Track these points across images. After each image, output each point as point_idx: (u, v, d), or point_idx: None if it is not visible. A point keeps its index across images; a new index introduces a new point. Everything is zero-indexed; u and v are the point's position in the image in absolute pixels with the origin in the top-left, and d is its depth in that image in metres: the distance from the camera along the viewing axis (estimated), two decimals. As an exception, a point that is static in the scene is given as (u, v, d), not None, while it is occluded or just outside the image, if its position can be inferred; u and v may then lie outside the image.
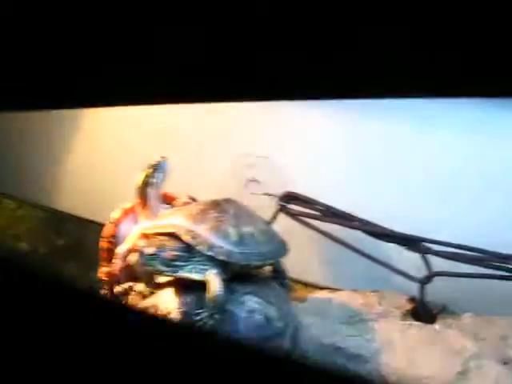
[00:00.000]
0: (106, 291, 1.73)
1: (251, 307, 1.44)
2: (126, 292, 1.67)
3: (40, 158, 2.39)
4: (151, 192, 1.67)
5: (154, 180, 1.66)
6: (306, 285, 1.98)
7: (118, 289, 1.70)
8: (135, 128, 2.10)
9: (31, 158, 2.41)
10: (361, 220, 1.72)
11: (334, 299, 1.79)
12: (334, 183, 1.88)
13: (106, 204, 1.75)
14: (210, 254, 1.40)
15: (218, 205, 1.54)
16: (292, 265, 1.93)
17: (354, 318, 1.69)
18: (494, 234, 1.69)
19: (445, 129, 1.74)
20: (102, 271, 1.79)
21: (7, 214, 2.52)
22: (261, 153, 1.85)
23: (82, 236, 2.29)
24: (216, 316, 1.38)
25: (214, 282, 1.40)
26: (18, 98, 1.01)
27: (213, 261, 1.42)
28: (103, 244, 1.74)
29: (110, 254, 1.74)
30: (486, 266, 1.58)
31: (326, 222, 1.77)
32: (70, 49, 0.90)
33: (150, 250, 1.39)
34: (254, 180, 1.88)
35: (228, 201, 1.59)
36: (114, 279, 1.71)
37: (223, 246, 1.43)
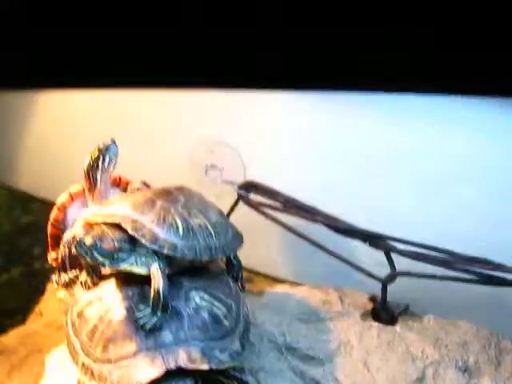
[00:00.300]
0: (56, 277, 1.64)
1: (197, 304, 1.35)
2: (72, 281, 1.58)
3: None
4: (99, 175, 1.56)
5: (101, 163, 1.55)
6: (266, 277, 1.91)
7: (63, 278, 1.62)
8: (94, 112, 2.00)
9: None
10: (324, 214, 1.63)
11: (293, 295, 1.70)
12: (289, 169, 1.79)
13: (65, 185, 1.65)
14: (153, 247, 1.30)
15: (168, 193, 1.44)
16: (252, 257, 1.86)
17: (312, 317, 1.61)
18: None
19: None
20: (51, 257, 1.70)
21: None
22: (220, 138, 1.75)
23: (44, 216, 2.23)
24: (159, 313, 1.29)
25: (158, 277, 1.30)
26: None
27: (158, 254, 1.32)
28: (50, 229, 1.65)
29: (57, 239, 1.65)
30: (451, 268, 1.49)
31: (287, 214, 1.67)
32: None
33: (88, 241, 1.29)
34: (213, 166, 1.78)
35: (180, 189, 1.48)
36: (60, 267, 1.62)
37: (168, 238, 1.32)
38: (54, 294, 1.72)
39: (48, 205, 1.77)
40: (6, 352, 1.53)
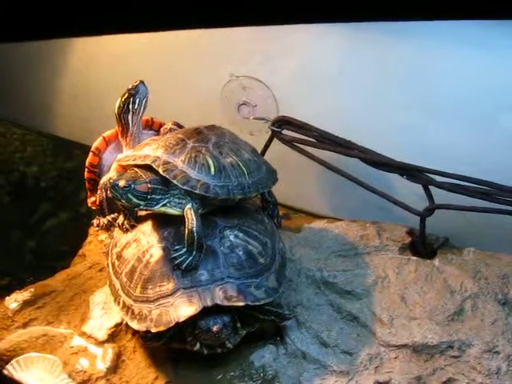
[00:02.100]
0: (97, 221, 1.68)
1: (232, 242, 1.36)
2: (111, 224, 1.61)
3: (38, 89, 2.33)
4: (130, 118, 1.56)
5: (131, 105, 1.54)
6: (304, 214, 1.90)
7: (102, 221, 1.65)
8: (126, 54, 1.98)
9: (30, 89, 2.36)
10: (360, 148, 1.59)
11: (330, 230, 1.69)
12: (329, 107, 1.73)
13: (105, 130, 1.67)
14: (185, 187, 1.31)
15: (199, 133, 1.43)
16: (289, 193, 1.85)
17: (350, 251, 1.61)
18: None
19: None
20: (90, 201, 1.74)
21: (15, 140, 2.51)
22: (253, 74, 1.71)
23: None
24: (194, 252, 1.30)
25: (191, 217, 1.31)
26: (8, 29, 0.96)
27: (190, 194, 1.33)
28: (86, 174, 1.67)
29: (94, 183, 1.67)
30: (492, 200, 1.45)
31: (322, 149, 1.64)
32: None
33: (122, 183, 1.30)
34: (246, 103, 1.75)
35: (211, 128, 1.47)
36: (99, 210, 1.65)
37: (200, 178, 1.32)
38: (96, 236, 1.77)
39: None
40: (54, 294, 1.58)
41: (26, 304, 1.53)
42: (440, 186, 1.51)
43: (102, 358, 1.38)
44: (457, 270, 1.49)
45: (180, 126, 1.64)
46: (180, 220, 1.34)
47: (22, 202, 2.33)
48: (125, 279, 1.36)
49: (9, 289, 1.66)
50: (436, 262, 1.53)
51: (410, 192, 1.61)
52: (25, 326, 1.49)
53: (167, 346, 1.35)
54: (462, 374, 1.29)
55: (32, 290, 1.57)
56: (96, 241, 1.75)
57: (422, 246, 1.59)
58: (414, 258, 1.56)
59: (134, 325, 1.31)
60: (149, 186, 1.32)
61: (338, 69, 1.69)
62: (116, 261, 1.42)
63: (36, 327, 1.49)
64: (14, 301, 1.54)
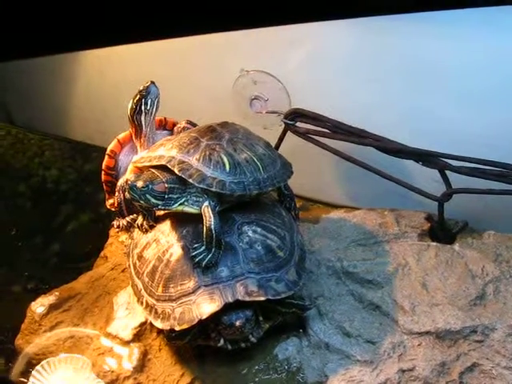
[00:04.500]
0: (117, 222, 1.70)
1: (251, 238, 1.37)
2: (130, 225, 1.63)
3: (53, 94, 2.37)
4: (143, 119, 1.58)
5: (143, 106, 1.56)
6: (321, 205, 1.90)
7: (121, 223, 1.67)
8: (134, 54, 2.00)
9: (45, 95, 2.39)
10: (373, 136, 1.59)
11: (349, 219, 1.70)
12: (341, 97, 1.73)
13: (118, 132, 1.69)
14: (201, 186, 1.32)
15: (212, 131, 1.43)
16: (306, 185, 1.85)
17: (369, 240, 1.61)
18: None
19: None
20: (108, 203, 1.76)
21: (33, 145, 2.54)
22: (263, 69, 1.71)
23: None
24: (213, 249, 1.32)
25: (209, 215, 1.32)
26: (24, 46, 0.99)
27: (207, 192, 1.34)
28: (103, 176, 1.69)
29: (112, 185, 1.69)
30: (509, 182, 1.44)
31: (336, 139, 1.64)
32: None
33: (140, 184, 1.31)
34: (258, 97, 1.75)
35: (224, 125, 1.48)
36: (118, 212, 1.67)
37: (215, 176, 1.33)
38: (117, 238, 1.79)
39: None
40: (78, 296, 1.61)
41: (51, 308, 1.56)
42: (457, 170, 1.51)
43: (129, 358, 1.40)
44: (477, 253, 1.49)
45: (193, 124, 1.66)
46: (198, 218, 1.35)
47: (43, 206, 2.36)
48: (146, 279, 1.38)
49: (36, 292, 1.70)
50: (456, 246, 1.53)
51: (426, 178, 1.60)
52: (52, 329, 1.52)
53: (192, 343, 1.37)
54: (487, 359, 1.29)
55: (57, 293, 1.60)
56: (117, 242, 1.77)
57: (441, 231, 1.58)
58: (434, 243, 1.55)
59: (158, 324, 1.32)
60: (166, 185, 1.33)
61: (349, 60, 1.68)
62: (137, 261, 1.44)
63: (62, 330, 1.52)
64: (40, 305, 1.56)
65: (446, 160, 1.52)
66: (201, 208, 1.34)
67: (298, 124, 1.69)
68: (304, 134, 1.69)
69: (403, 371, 1.29)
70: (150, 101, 1.56)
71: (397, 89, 1.67)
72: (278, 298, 1.31)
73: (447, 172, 1.53)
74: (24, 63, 2.25)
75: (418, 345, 1.33)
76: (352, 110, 1.69)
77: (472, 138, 1.59)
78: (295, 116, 1.68)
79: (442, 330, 1.33)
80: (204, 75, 1.88)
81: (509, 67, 1.54)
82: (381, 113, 1.69)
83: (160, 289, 1.34)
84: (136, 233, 1.51)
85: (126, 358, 1.40)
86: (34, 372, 1.40)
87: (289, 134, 1.73)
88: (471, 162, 1.48)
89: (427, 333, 1.34)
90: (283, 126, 1.73)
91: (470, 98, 1.60)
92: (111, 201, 1.71)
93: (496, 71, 1.56)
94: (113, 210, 1.72)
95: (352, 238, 1.62)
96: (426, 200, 1.59)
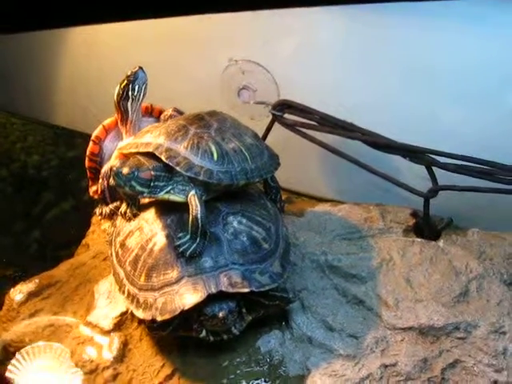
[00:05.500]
0: (100, 209, 1.67)
1: (236, 228, 1.35)
2: (113, 213, 1.60)
3: (37, 78, 2.33)
4: (129, 105, 1.55)
5: (131, 92, 1.53)
6: (307, 198, 1.89)
7: (104, 210, 1.64)
8: (123, 41, 1.97)
9: (29, 79, 2.35)
10: (362, 130, 1.58)
11: (334, 213, 1.69)
12: (330, 89, 1.72)
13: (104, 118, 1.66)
14: (188, 174, 1.30)
15: (200, 119, 1.42)
16: (291, 177, 1.84)
17: (354, 234, 1.60)
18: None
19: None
20: (92, 190, 1.73)
21: (15, 130, 2.50)
22: (252, 58, 1.69)
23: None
24: (198, 239, 1.30)
25: (195, 204, 1.30)
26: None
27: (194, 181, 1.32)
28: (87, 163, 1.66)
29: (96, 172, 1.66)
30: (495, 180, 1.44)
31: (324, 132, 1.63)
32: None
33: (125, 171, 1.29)
34: (246, 87, 1.73)
35: (212, 114, 1.46)
36: (101, 199, 1.65)
37: (203, 165, 1.31)
38: (99, 226, 1.76)
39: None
40: (59, 284, 1.58)
41: (31, 295, 1.53)
42: (443, 167, 1.50)
43: (109, 348, 1.38)
44: (461, 250, 1.49)
45: (180, 112, 1.63)
46: (182, 207, 1.34)
47: (24, 192, 2.33)
48: (129, 268, 1.36)
49: (14, 279, 1.67)
50: (441, 243, 1.53)
51: (413, 174, 1.60)
52: (30, 317, 1.49)
53: (174, 334, 1.35)
54: (469, 356, 1.29)
55: (37, 280, 1.57)
56: (99, 230, 1.75)
57: (426, 227, 1.58)
58: (419, 239, 1.55)
59: (140, 314, 1.30)
60: (152, 173, 1.31)
61: (339, 51, 1.67)
62: (119, 250, 1.41)
63: (42, 317, 1.49)
64: (19, 292, 1.54)
65: (432, 156, 1.51)
66: (187, 197, 1.33)
67: (286, 116, 1.68)
68: (291, 126, 1.67)
69: (386, 366, 1.28)
70: (137, 86, 1.53)
71: (386, 82, 1.66)
72: (262, 290, 1.29)
73: (434, 168, 1.52)
74: (8, 44, 2.20)
75: (401, 340, 1.33)
76: (340, 103, 1.67)
77: (463, 137, 1.59)
78: (283, 107, 1.67)
79: (425, 326, 1.33)
80: (192, 63, 1.86)
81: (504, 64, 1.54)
82: (369, 106, 1.68)
83: (142, 278, 1.32)
84: (119, 221, 1.49)
85: (106, 348, 1.38)
86: (13, 360, 1.38)
87: (276, 126, 1.72)
88: (458, 159, 1.47)
89: (410, 328, 1.34)
90: (271, 117, 1.72)
91: (465, 96, 1.61)
92: (94, 188, 1.69)
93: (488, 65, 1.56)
94: (96, 197, 1.70)
95: (337, 231, 1.61)
96: (412, 196, 1.59)
